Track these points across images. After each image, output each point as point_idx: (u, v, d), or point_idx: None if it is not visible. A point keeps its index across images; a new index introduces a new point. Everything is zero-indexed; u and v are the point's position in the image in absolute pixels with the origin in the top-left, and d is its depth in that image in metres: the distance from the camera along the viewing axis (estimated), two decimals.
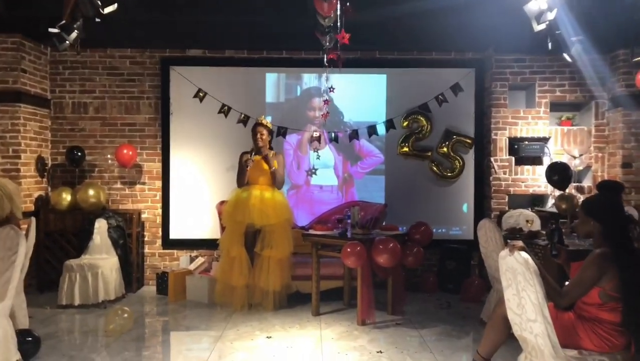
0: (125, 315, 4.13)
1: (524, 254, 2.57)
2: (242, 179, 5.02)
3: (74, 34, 4.37)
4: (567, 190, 4.61)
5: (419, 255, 4.67)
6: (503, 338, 2.94)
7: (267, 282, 4.79)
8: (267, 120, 5.22)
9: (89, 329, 4.36)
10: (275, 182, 5.08)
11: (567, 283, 2.82)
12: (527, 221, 4.85)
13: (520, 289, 2.65)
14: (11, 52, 5.36)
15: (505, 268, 2.74)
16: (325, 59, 4.28)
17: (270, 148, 5.18)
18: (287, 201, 5.20)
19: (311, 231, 4.83)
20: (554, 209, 5.54)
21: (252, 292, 4.86)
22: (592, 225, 2.70)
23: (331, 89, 4.82)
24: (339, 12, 3.65)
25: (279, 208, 4.95)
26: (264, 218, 4.83)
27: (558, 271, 3.23)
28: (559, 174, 4.48)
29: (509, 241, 3.06)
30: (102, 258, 5.12)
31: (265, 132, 5.08)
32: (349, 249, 4.24)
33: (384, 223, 5.64)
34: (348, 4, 3.65)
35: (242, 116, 5.80)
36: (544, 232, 4.45)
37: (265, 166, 5.01)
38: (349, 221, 4.80)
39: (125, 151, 5.65)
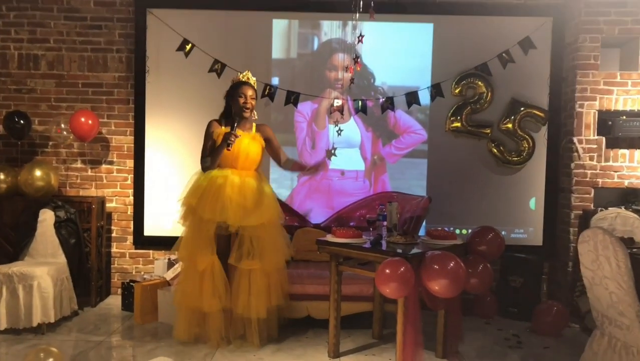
0: (50, 360, 2.76)
1: None
2: (215, 161, 3.52)
3: None
4: None
5: (486, 276, 3.21)
6: None
7: (247, 307, 3.34)
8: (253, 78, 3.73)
9: None
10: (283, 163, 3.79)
11: None
12: None
13: None
14: None
15: None
16: None
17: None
18: (274, 193, 3.70)
19: (329, 237, 3.35)
20: None
21: (228, 320, 3.42)
22: None
23: (360, 39, 3.45)
24: None
25: (266, 202, 3.47)
26: (244, 217, 3.36)
27: None
28: None
29: None
30: (45, 263, 3.76)
31: (254, 93, 3.61)
32: (387, 271, 2.77)
33: (424, 224, 4.24)
34: None
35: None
36: None
37: (247, 141, 3.55)
38: (384, 223, 3.35)
39: (82, 120, 4.25)
